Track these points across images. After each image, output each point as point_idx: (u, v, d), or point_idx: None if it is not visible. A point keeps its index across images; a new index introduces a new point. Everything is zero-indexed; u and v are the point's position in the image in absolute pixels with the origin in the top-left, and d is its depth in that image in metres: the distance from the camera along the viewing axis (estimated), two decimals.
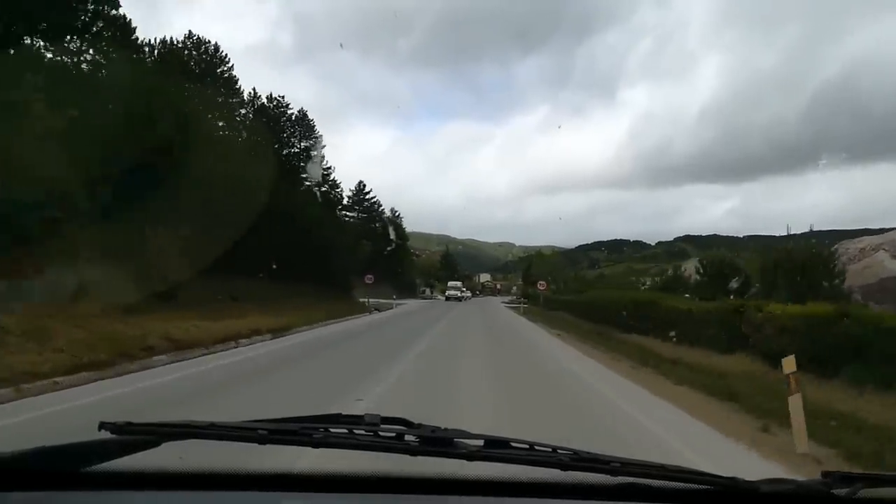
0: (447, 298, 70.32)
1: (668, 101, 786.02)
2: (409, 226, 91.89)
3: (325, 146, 50.87)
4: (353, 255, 56.34)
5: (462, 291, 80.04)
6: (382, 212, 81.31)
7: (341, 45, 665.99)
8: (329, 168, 54.12)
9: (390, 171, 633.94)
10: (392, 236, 78.79)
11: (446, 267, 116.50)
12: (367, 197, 78.04)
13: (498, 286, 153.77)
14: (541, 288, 48.70)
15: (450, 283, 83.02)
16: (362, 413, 1.48)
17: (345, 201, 68.57)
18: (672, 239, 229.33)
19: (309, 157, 47.31)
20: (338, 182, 58.67)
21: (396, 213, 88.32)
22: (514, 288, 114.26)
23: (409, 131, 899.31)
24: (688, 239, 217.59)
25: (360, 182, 77.94)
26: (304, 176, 47.35)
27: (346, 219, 69.85)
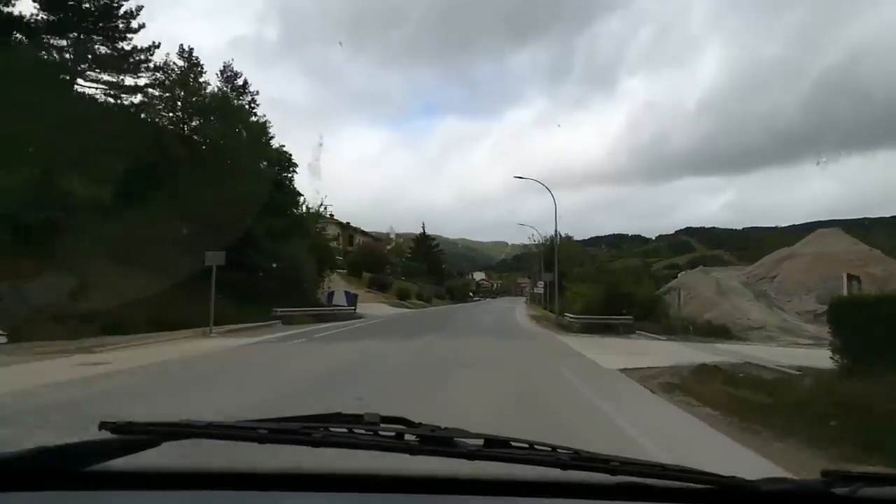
0: None
1: (665, 94, 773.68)
2: (400, 227, 58.90)
3: None
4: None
5: None
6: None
7: (340, 44, 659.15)
8: None
9: (379, 173, 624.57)
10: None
11: (422, 257, 72.06)
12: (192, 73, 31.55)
13: (494, 286, 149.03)
14: None
15: None
16: (362, 412, 1.48)
17: (127, 81, 28.97)
18: (673, 232, 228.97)
19: None
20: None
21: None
22: (537, 287, 58.18)
23: (399, 130, 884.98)
24: (689, 232, 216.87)
25: (184, 47, 32.08)
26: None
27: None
